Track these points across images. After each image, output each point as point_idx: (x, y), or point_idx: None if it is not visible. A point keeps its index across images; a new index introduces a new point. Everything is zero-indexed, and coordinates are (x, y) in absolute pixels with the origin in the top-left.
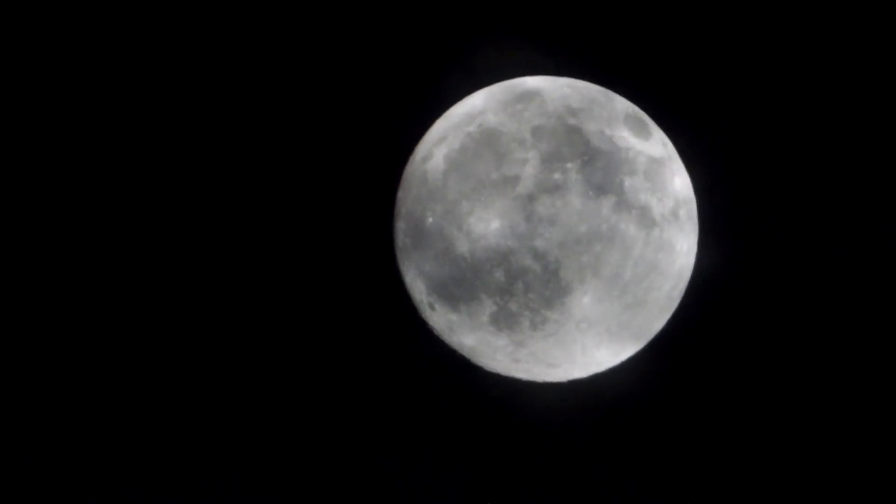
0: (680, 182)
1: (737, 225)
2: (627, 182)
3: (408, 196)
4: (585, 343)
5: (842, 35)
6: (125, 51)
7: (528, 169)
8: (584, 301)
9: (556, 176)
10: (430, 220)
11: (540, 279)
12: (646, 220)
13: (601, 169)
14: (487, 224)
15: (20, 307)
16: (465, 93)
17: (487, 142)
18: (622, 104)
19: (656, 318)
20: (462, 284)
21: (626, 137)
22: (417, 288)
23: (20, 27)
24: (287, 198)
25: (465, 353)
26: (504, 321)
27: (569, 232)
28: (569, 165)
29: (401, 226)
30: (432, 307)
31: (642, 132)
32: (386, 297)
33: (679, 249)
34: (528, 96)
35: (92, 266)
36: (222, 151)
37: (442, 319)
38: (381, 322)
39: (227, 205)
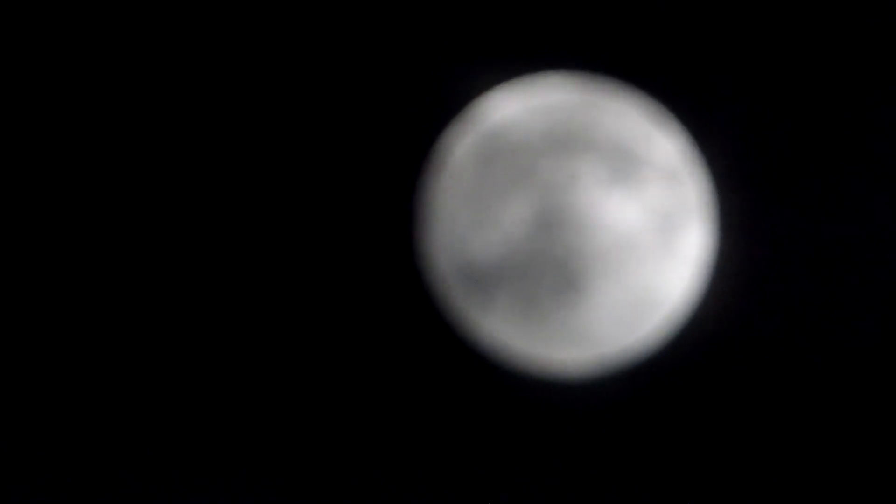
0: (692, 181)
1: (752, 226)
2: (640, 178)
3: (433, 189)
4: (602, 325)
5: (870, 31)
6: (147, 54)
7: (544, 163)
8: (600, 287)
9: (570, 170)
10: (452, 210)
11: (557, 266)
12: (657, 215)
13: (614, 165)
14: (506, 214)
15: (20, 306)
16: (485, 88)
17: (505, 138)
18: (636, 101)
19: (669, 301)
20: (482, 272)
21: (639, 135)
22: (442, 274)
23: (20, 27)
24: (317, 196)
25: (487, 335)
26: (522, 304)
27: (583, 222)
28: (583, 161)
29: (427, 218)
30: (455, 293)
31: (656, 131)
32: (411, 285)
33: (690, 246)
34: (543, 94)
35: (120, 267)
36: (249, 149)
37: (464, 304)
38: (406, 308)
39: (251, 196)
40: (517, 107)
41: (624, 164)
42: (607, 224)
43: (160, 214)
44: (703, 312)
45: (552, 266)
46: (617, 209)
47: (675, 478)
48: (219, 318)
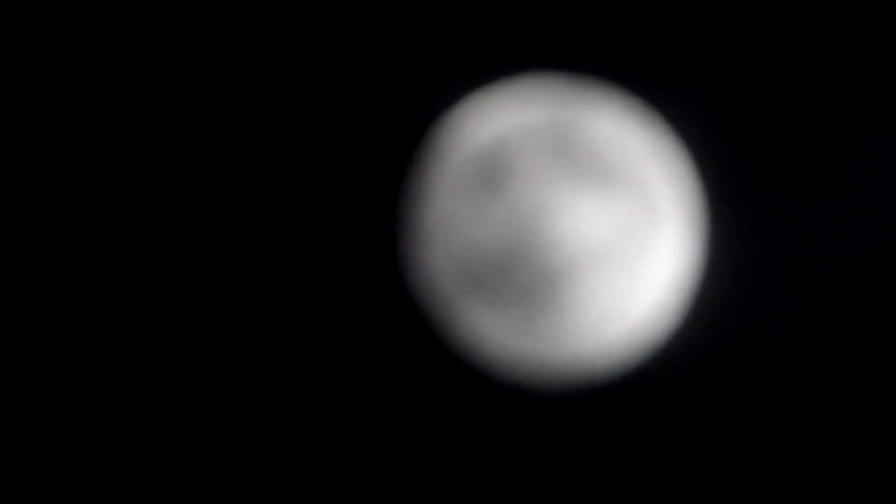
0: (672, 182)
1: (742, 231)
2: (616, 180)
3: (413, 197)
4: (588, 319)
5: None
6: (122, 49)
7: (523, 168)
8: (583, 283)
9: (549, 174)
10: (441, 213)
11: (540, 265)
12: (635, 215)
13: (590, 166)
14: (490, 214)
15: (20, 306)
16: (466, 93)
17: (490, 146)
18: (621, 104)
19: (655, 298)
20: (472, 271)
21: (615, 137)
22: (432, 276)
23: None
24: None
25: (478, 333)
26: (510, 302)
27: (564, 223)
28: (560, 164)
29: (408, 225)
30: (447, 294)
31: (633, 132)
32: (393, 289)
33: (676, 253)
34: (526, 98)
35: (81, 268)
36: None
37: (444, 309)
38: (388, 315)
39: (248, 202)
40: (499, 113)
41: (608, 171)
42: (588, 231)
43: (137, 218)
44: (692, 321)
45: (531, 274)
46: (598, 216)
47: (663, 491)
48: (200, 322)
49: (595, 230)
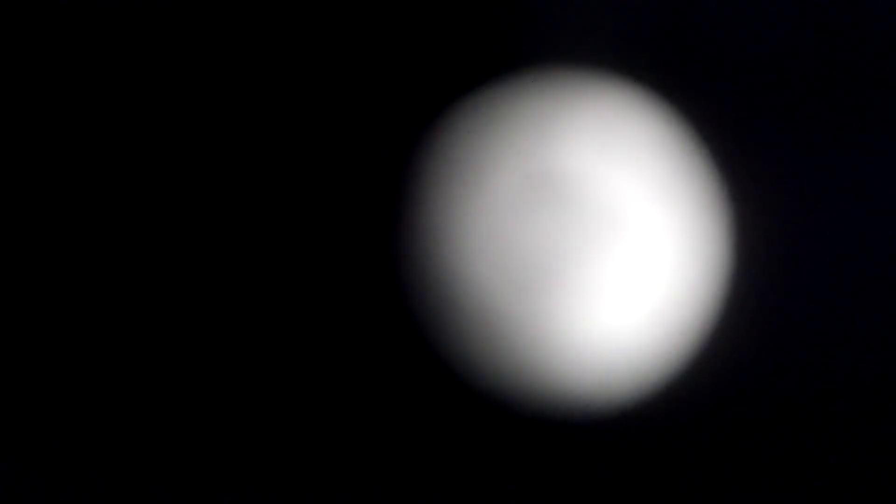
0: (660, 190)
1: (767, 236)
2: (597, 197)
3: (400, 213)
4: (586, 322)
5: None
6: (121, 49)
7: (503, 188)
8: (574, 292)
9: (527, 195)
10: (429, 226)
11: (532, 275)
12: (619, 225)
13: (569, 185)
14: (477, 233)
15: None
16: (459, 98)
17: (468, 156)
18: (597, 102)
19: (653, 317)
20: (477, 279)
21: (595, 149)
22: (425, 287)
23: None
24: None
25: (490, 330)
26: (512, 308)
27: (548, 238)
28: (539, 185)
29: (411, 233)
30: (428, 312)
31: (616, 139)
32: (388, 300)
33: (657, 252)
34: (501, 108)
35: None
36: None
37: (436, 326)
38: (382, 326)
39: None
40: (477, 122)
41: (580, 181)
42: (571, 233)
43: (134, 222)
44: (701, 338)
45: (529, 268)
46: (578, 221)
47: None
48: (195, 324)
49: (573, 244)
